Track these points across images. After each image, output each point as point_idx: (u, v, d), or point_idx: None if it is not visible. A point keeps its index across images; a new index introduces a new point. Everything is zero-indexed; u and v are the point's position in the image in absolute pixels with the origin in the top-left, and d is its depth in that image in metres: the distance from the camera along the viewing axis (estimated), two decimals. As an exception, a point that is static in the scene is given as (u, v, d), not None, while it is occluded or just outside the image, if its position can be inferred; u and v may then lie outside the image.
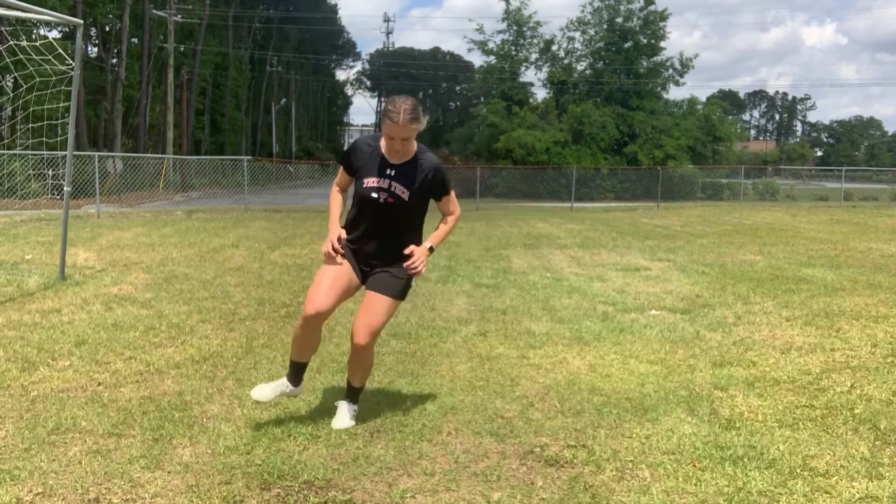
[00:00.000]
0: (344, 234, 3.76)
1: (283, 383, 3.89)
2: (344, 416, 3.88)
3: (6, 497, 2.97)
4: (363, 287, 3.86)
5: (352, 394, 3.97)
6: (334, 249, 3.68)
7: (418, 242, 3.86)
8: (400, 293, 3.83)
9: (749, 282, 8.72)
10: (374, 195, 3.70)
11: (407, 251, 3.72)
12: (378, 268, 3.81)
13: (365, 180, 3.73)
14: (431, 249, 3.84)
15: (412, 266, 3.70)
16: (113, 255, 10.29)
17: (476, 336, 5.84)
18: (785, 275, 9.30)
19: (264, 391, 3.83)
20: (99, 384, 4.45)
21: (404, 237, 3.79)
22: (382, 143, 3.73)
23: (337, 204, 3.99)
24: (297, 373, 3.91)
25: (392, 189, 3.70)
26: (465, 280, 8.59)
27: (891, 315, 6.78)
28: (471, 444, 3.62)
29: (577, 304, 7.21)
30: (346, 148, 4.02)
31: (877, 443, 3.68)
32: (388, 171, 3.71)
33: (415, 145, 3.72)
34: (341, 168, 3.94)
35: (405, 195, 3.70)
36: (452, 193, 3.94)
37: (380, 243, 3.79)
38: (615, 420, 3.97)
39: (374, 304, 3.75)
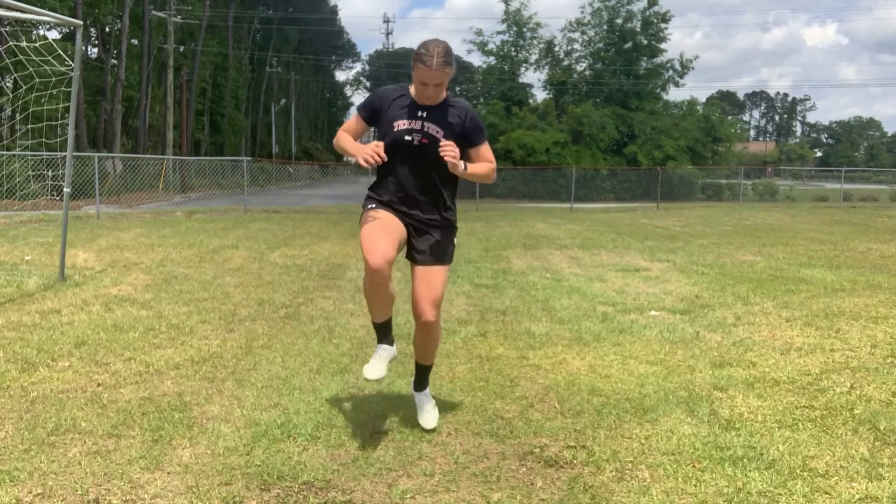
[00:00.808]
0: (381, 144, 3.43)
1: (381, 350, 3.71)
2: (430, 412, 3.83)
3: (6, 498, 2.97)
4: (410, 262, 3.71)
5: (423, 376, 3.88)
6: (375, 151, 3.37)
7: (452, 196, 3.69)
8: (450, 257, 3.71)
9: (749, 282, 8.72)
10: (408, 137, 3.51)
11: (443, 143, 3.44)
12: (419, 232, 3.63)
13: (395, 124, 3.54)
14: (466, 167, 3.58)
15: (447, 146, 3.41)
16: (112, 256, 10.29)
17: (476, 337, 5.83)
18: (785, 275, 9.30)
19: (376, 367, 3.62)
20: (98, 385, 4.44)
21: (441, 185, 3.62)
22: (411, 89, 3.57)
23: (348, 135, 3.74)
24: (385, 334, 3.73)
25: (426, 129, 3.52)
26: (465, 281, 8.59)
27: (890, 316, 6.78)
28: (470, 445, 3.62)
29: (576, 305, 7.21)
30: (369, 96, 3.78)
31: (876, 443, 3.68)
32: (419, 113, 3.53)
33: (445, 91, 3.56)
34: (355, 115, 3.74)
35: (440, 134, 3.51)
36: (487, 143, 3.73)
37: (416, 195, 3.60)
38: (615, 421, 3.97)
39: (430, 275, 3.61)
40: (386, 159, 3.43)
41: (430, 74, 3.39)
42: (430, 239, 3.64)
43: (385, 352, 3.71)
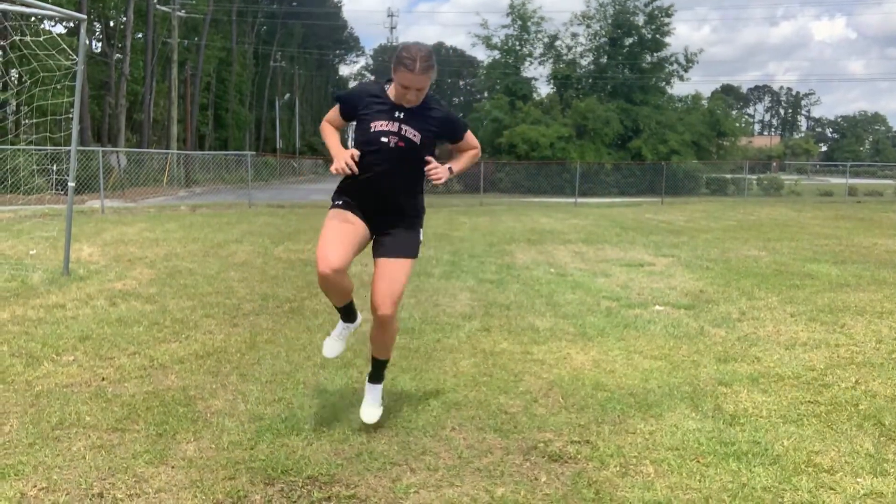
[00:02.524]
0: (357, 153, 3.46)
1: (342, 327, 3.84)
2: (372, 405, 3.75)
3: (10, 492, 2.98)
4: (373, 255, 3.69)
5: (378, 370, 3.84)
6: (348, 164, 3.41)
7: (421, 201, 3.70)
8: (414, 250, 3.65)
9: (753, 277, 8.70)
10: (384, 139, 3.46)
11: (430, 163, 3.50)
12: (384, 228, 3.62)
13: (372, 124, 3.49)
14: (451, 170, 3.62)
15: (433, 171, 3.48)
16: (117, 251, 10.30)
17: (479, 331, 5.83)
18: (789, 270, 9.28)
19: (333, 346, 3.81)
20: (103, 379, 4.45)
21: (413, 189, 3.61)
22: (390, 90, 3.53)
23: (334, 133, 3.73)
24: (348, 312, 3.81)
25: (403, 132, 3.48)
26: (469, 275, 8.58)
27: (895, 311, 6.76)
28: (474, 440, 3.62)
29: (580, 300, 7.21)
30: (348, 89, 3.82)
31: (881, 439, 3.67)
32: (397, 115, 3.48)
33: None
34: (337, 107, 3.71)
35: (417, 139, 3.48)
36: (469, 132, 3.74)
37: (387, 197, 3.56)
38: (619, 416, 3.96)
39: (391, 269, 3.55)
40: (357, 171, 3.45)
41: (411, 78, 3.36)
42: (395, 233, 3.62)
43: (346, 329, 3.85)
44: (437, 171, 3.51)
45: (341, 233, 3.50)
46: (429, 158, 3.52)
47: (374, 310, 3.58)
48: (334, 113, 3.74)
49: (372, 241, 3.68)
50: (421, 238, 3.74)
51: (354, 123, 3.65)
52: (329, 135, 3.73)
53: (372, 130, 3.49)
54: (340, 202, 3.61)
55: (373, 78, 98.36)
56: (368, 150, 3.49)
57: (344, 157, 3.42)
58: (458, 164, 3.74)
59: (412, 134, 3.49)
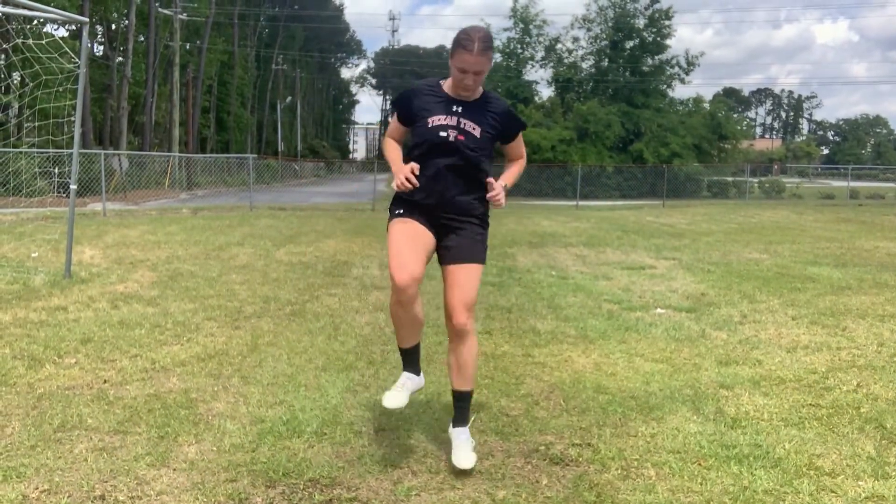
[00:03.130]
0: (417, 167, 3.30)
1: (405, 377, 3.52)
2: (465, 448, 3.34)
3: (12, 494, 2.98)
4: (440, 262, 3.52)
5: (463, 408, 3.46)
6: (408, 179, 3.26)
7: (484, 193, 3.45)
8: (482, 256, 3.47)
9: (755, 280, 8.70)
10: (443, 133, 3.33)
11: (491, 186, 3.35)
12: (449, 231, 3.44)
13: (430, 119, 3.36)
14: (506, 187, 3.46)
15: (495, 196, 3.32)
16: (119, 253, 10.31)
17: (481, 334, 5.83)
18: (791, 273, 9.28)
19: (396, 396, 3.40)
20: (105, 382, 4.46)
21: (475, 186, 3.43)
22: (445, 84, 3.42)
23: (396, 148, 3.53)
24: (412, 362, 3.54)
25: (462, 126, 3.34)
26: (470, 278, 8.57)
27: (897, 314, 6.75)
28: (476, 442, 3.62)
29: (582, 303, 7.21)
30: (401, 91, 3.58)
31: (883, 442, 3.67)
32: (455, 108, 3.36)
33: (482, 86, 3.41)
34: (395, 116, 3.56)
35: (476, 131, 3.35)
36: (521, 135, 3.60)
37: (450, 192, 3.39)
38: (620, 418, 3.96)
39: (463, 276, 3.37)
40: (417, 186, 3.29)
41: (471, 60, 3.21)
42: (462, 236, 3.43)
43: (409, 381, 3.51)
44: (499, 194, 3.35)
45: (411, 240, 3.34)
46: (490, 180, 3.37)
47: (449, 319, 3.39)
48: (394, 123, 3.59)
49: (437, 249, 3.49)
50: (487, 243, 3.55)
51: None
52: (391, 150, 3.53)
53: (430, 126, 3.36)
54: (401, 210, 3.44)
55: (374, 81, 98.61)
56: (428, 147, 3.37)
57: (404, 173, 3.27)
58: (510, 179, 3.55)
59: (471, 127, 3.36)
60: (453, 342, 3.43)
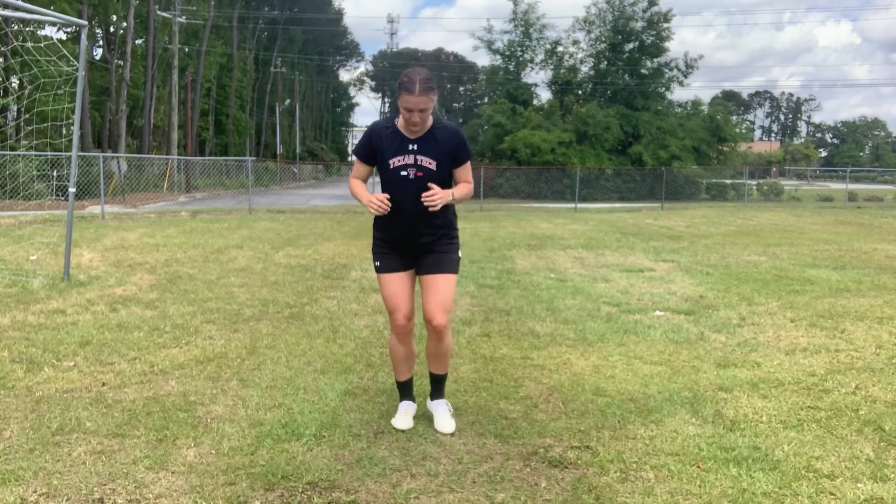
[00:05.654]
0: (386, 196, 3.65)
1: (406, 405, 4.00)
2: (444, 416, 3.89)
3: (10, 497, 2.98)
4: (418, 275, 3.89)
5: (438, 387, 4.00)
6: (381, 199, 3.60)
7: (451, 213, 3.86)
8: (455, 267, 3.84)
9: (753, 283, 8.70)
10: (404, 173, 3.67)
11: (431, 189, 3.62)
12: (424, 250, 3.80)
13: (390, 162, 3.69)
14: (453, 199, 3.72)
15: (430, 196, 3.59)
16: (117, 256, 10.31)
17: (480, 337, 5.83)
18: (789, 276, 9.28)
19: (402, 419, 3.90)
20: (103, 385, 4.45)
21: (440, 210, 3.70)
22: (398, 122, 3.69)
23: (361, 184, 3.89)
24: (408, 393, 4.04)
25: (419, 163, 3.67)
26: (469, 281, 8.59)
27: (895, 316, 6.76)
28: (475, 445, 3.62)
29: (580, 305, 7.21)
30: (359, 139, 3.91)
31: (881, 444, 3.67)
32: (410, 147, 3.68)
33: (431, 117, 3.68)
34: (357, 160, 3.86)
35: (433, 165, 3.67)
36: (469, 162, 3.86)
37: (418, 224, 3.73)
38: (619, 421, 3.97)
39: (438, 283, 3.76)
40: (390, 206, 3.63)
41: (412, 100, 3.50)
42: (435, 254, 3.80)
43: (410, 408, 4.00)
44: (434, 196, 3.60)
45: (398, 287, 3.82)
46: (430, 185, 3.64)
47: (428, 321, 3.78)
48: (357, 166, 3.89)
49: (416, 268, 3.88)
50: (459, 255, 3.91)
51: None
52: (356, 188, 3.88)
53: (391, 168, 3.70)
54: (379, 263, 3.86)
55: (373, 84, 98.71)
56: (393, 186, 3.70)
57: (377, 197, 3.61)
58: (458, 193, 3.80)
59: (428, 162, 3.67)
60: (432, 339, 3.89)
